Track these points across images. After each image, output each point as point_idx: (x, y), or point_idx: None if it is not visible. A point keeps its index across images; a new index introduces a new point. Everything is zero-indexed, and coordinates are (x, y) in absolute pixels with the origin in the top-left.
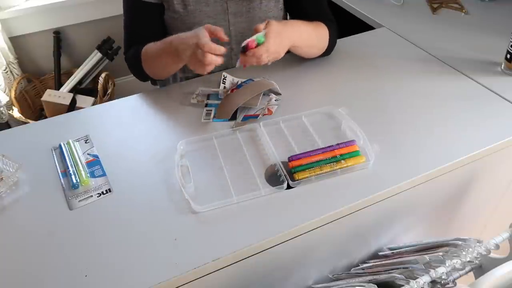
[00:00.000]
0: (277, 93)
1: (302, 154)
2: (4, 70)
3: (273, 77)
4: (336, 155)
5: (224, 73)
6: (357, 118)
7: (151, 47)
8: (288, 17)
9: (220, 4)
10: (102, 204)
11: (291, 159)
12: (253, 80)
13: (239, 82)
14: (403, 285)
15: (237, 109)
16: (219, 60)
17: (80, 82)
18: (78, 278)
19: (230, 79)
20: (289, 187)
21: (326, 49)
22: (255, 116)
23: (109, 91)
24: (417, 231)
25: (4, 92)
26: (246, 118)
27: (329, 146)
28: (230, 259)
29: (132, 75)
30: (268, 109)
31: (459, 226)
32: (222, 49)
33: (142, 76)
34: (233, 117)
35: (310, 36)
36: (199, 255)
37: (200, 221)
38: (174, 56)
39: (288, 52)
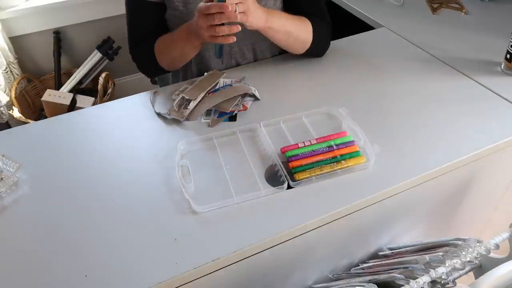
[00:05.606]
0: (256, 98)
1: (303, 154)
2: (4, 70)
3: (273, 77)
4: (337, 155)
5: None
6: (357, 118)
7: (165, 38)
8: None
9: None
10: (102, 204)
11: (291, 159)
12: (231, 85)
13: (218, 87)
14: (403, 285)
15: (211, 110)
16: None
17: (80, 82)
18: (78, 278)
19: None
20: (289, 187)
21: (311, 46)
22: (231, 113)
23: (109, 91)
24: (417, 231)
25: (4, 92)
26: (222, 115)
27: (329, 147)
28: (230, 259)
29: (132, 75)
30: (243, 105)
31: (459, 226)
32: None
33: (153, 70)
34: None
35: (288, 23)
36: (199, 255)
37: (200, 221)
38: (190, 37)
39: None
